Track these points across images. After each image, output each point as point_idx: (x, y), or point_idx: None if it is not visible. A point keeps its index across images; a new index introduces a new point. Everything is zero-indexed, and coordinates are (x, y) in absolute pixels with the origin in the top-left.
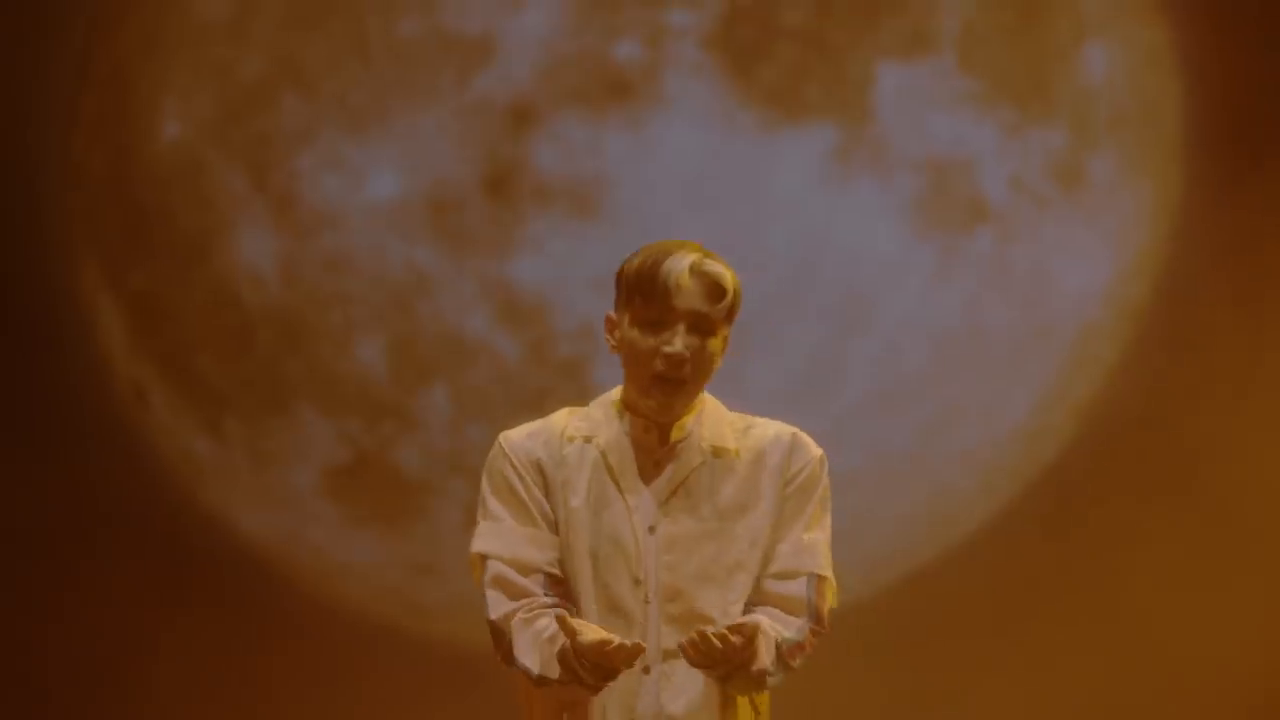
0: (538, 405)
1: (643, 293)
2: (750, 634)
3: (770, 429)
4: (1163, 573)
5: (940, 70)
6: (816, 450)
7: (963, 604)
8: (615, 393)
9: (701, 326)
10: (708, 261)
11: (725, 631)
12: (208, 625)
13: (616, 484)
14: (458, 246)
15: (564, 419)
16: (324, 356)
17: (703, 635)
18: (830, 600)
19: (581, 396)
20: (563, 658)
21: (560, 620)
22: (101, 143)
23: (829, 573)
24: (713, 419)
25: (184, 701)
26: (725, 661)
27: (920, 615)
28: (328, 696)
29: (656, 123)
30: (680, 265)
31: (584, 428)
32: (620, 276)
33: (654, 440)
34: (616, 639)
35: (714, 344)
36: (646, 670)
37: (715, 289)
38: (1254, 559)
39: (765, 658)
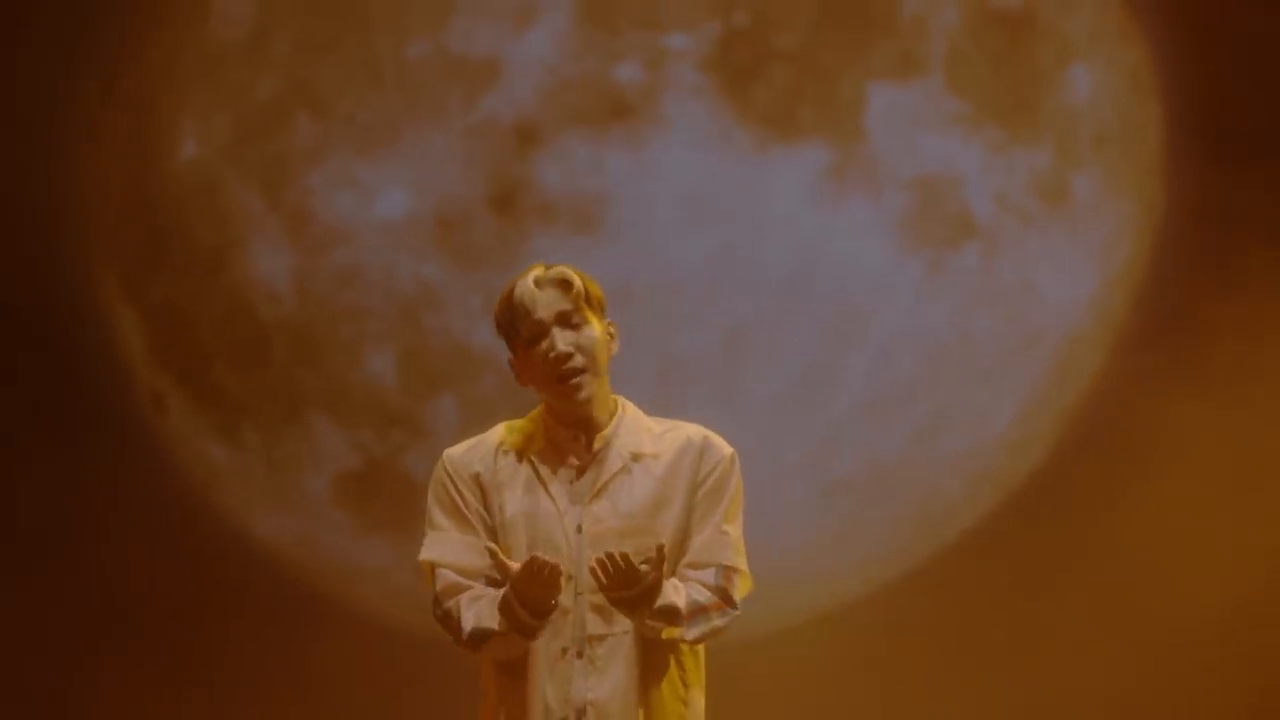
0: None
1: (513, 323)
2: (657, 565)
3: (683, 431)
4: (1145, 573)
5: (929, 91)
6: (727, 449)
7: (953, 603)
8: (540, 409)
9: (570, 321)
10: (549, 270)
11: (631, 558)
12: (224, 624)
13: (546, 490)
14: (465, 262)
15: (500, 433)
16: (336, 367)
17: (610, 556)
18: (741, 588)
19: None
20: (503, 605)
21: (492, 554)
22: (123, 161)
23: (740, 564)
24: (632, 427)
25: (201, 698)
26: (628, 584)
27: (913, 613)
28: (340, 694)
29: (656, 142)
30: (526, 283)
31: (517, 441)
32: (497, 324)
33: (579, 448)
34: (541, 556)
35: (592, 331)
36: (580, 655)
37: (562, 285)
38: (1233, 559)
39: (674, 597)
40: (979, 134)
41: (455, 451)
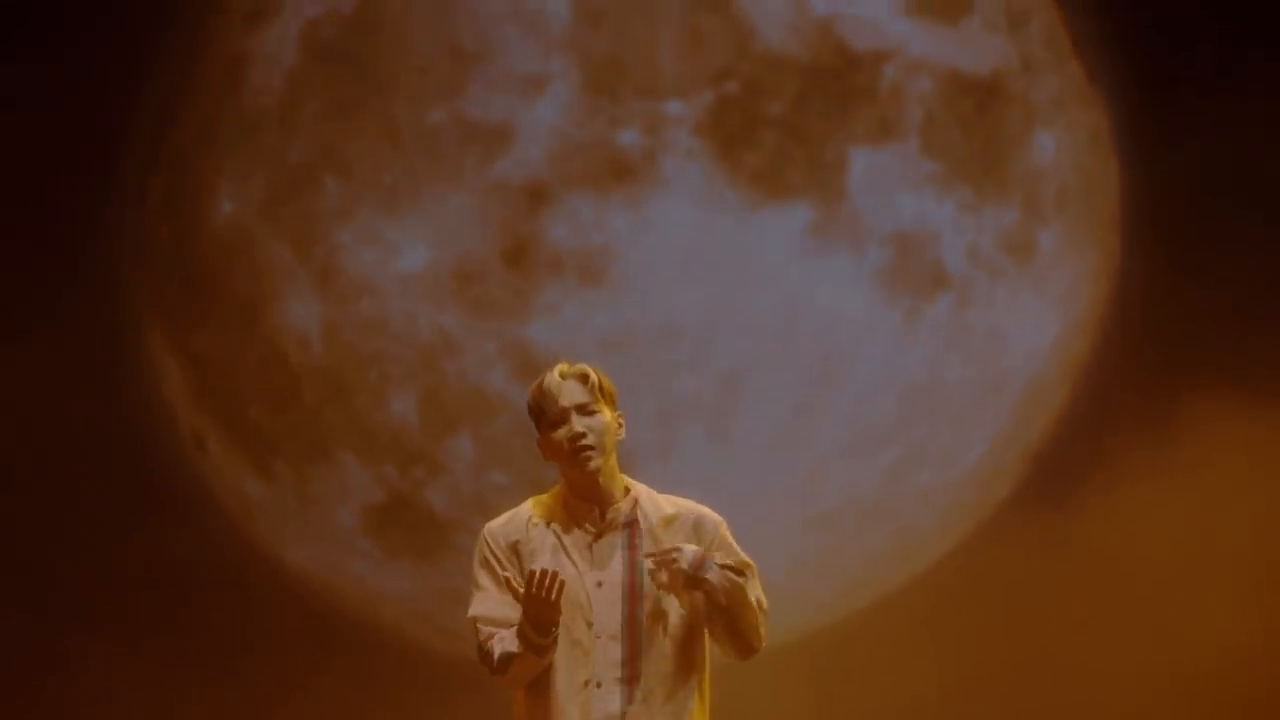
0: None
1: (541, 408)
2: (664, 557)
3: (681, 506)
4: (1103, 598)
5: (905, 155)
6: (715, 517)
7: (926, 627)
8: (561, 486)
9: (586, 409)
10: (571, 366)
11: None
12: (260, 646)
13: (568, 554)
14: (480, 311)
15: (529, 508)
16: (362, 409)
17: (655, 551)
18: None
19: None
20: (519, 630)
21: (509, 585)
22: (165, 220)
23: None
24: (642, 502)
25: (235, 713)
26: (673, 560)
27: (891, 635)
28: (367, 710)
29: (655, 201)
30: (553, 376)
31: (543, 514)
32: (529, 410)
33: (594, 518)
34: (540, 568)
35: (603, 418)
36: (599, 685)
37: (581, 379)
38: (1193, 581)
39: (720, 558)
40: (951, 193)
41: (495, 525)
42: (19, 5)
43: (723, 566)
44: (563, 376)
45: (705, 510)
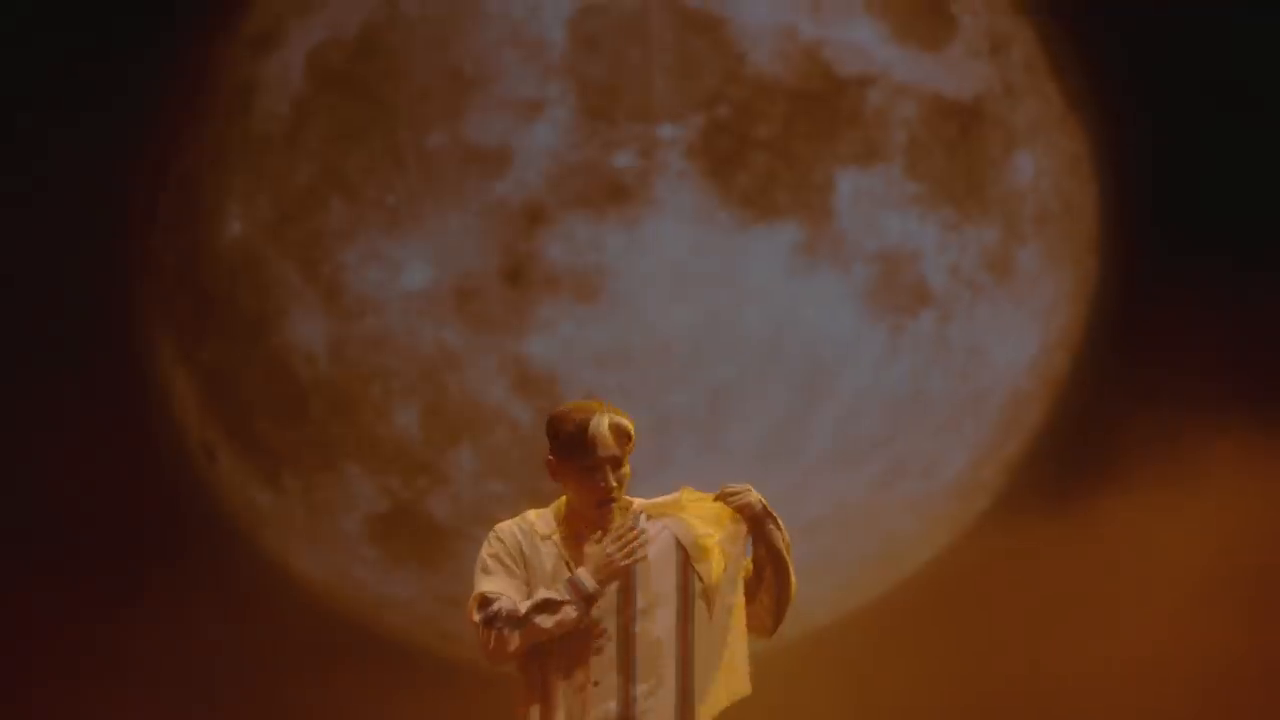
0: None
1: (579, 447)
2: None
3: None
4: (1082, 600)
5: (890, 176)
6: None
7: (912, 628)
8: (563, 503)
9: (618, 463)
10: (616, 418)
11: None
12: (268, 651)
13: (569, 565)
14: (480, 328)
15: (533, 519)
16: (366, 421)
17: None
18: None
19: None
20: (572, 581)
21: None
22: (175, 240)
23: None
24: (640, 513)
25: (245, 716)
26: (747, 493)
27: (876, 637)
28: (371, 711)
29: (648, 221)
30: (601, 426)
31: (545, 528)
32: (556, 433)
33: (598, 536)
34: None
35: (626, 470)
36: (596, 684)
37: (623, 436)
38: (1165, 588)
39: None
40: (935, 214)
41: (505, 529)
42: (37, 31)
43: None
44: (610, 429)
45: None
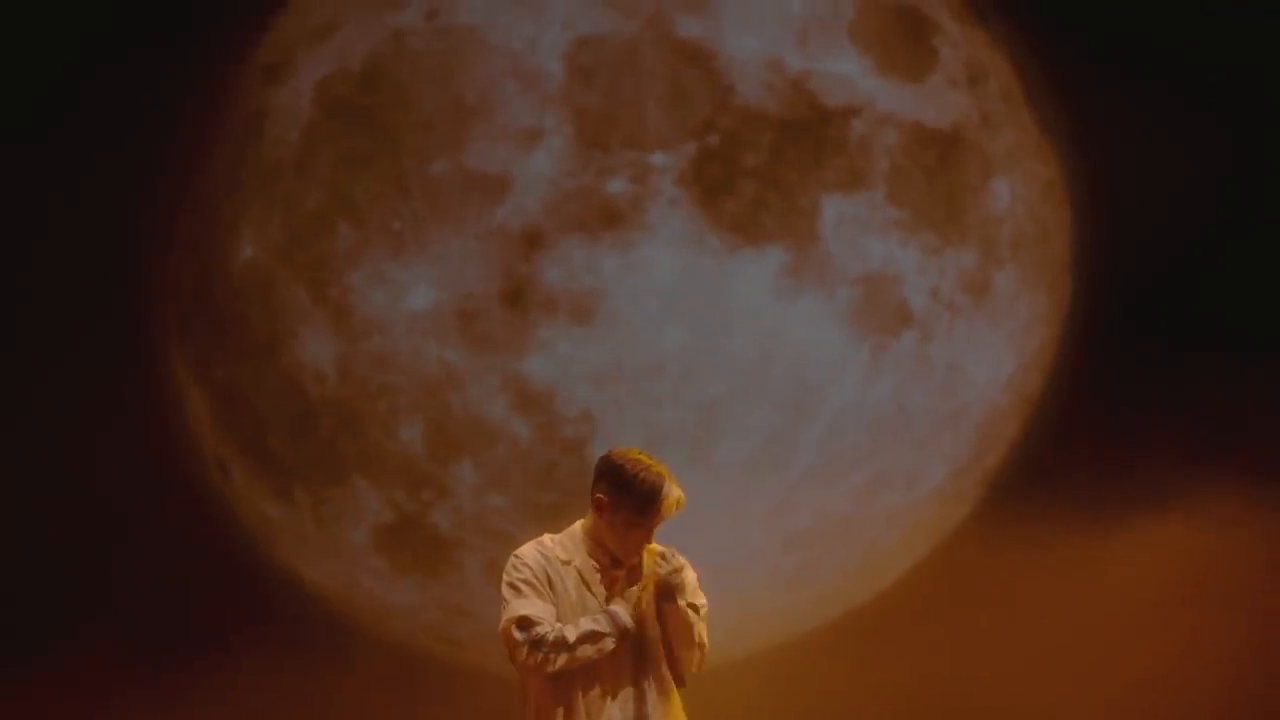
0: (547, 476)
1: (639, 507)
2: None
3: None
4: (1058, 608)
5: (873, 202)
6: (687, 563)
7: (890, 638)
8: (580, 528)
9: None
10: (680, 493)
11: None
12: (278, 656)
13: (589, 588)
14: (481, 347)
15: (551, 544)
16: (373, 437)
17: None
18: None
19: (582, 471)
20: (614, 618)
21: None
22: (191, 262)
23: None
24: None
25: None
26: (661, 565)
27: (857, 644)
28: (378, 714)
29: (642, 246)
30: (671, 498)
31: (563, 554)
32: (620, 482)
33: (608, 564)
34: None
35: None
36: (613, 695)
37: (680, 508)
38: (1131, 593)
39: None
40: (915, 238)
41: (525, 551)
42: (59, 65)
43: (689, 605)
44: (674, 503)
45: (682, 559)
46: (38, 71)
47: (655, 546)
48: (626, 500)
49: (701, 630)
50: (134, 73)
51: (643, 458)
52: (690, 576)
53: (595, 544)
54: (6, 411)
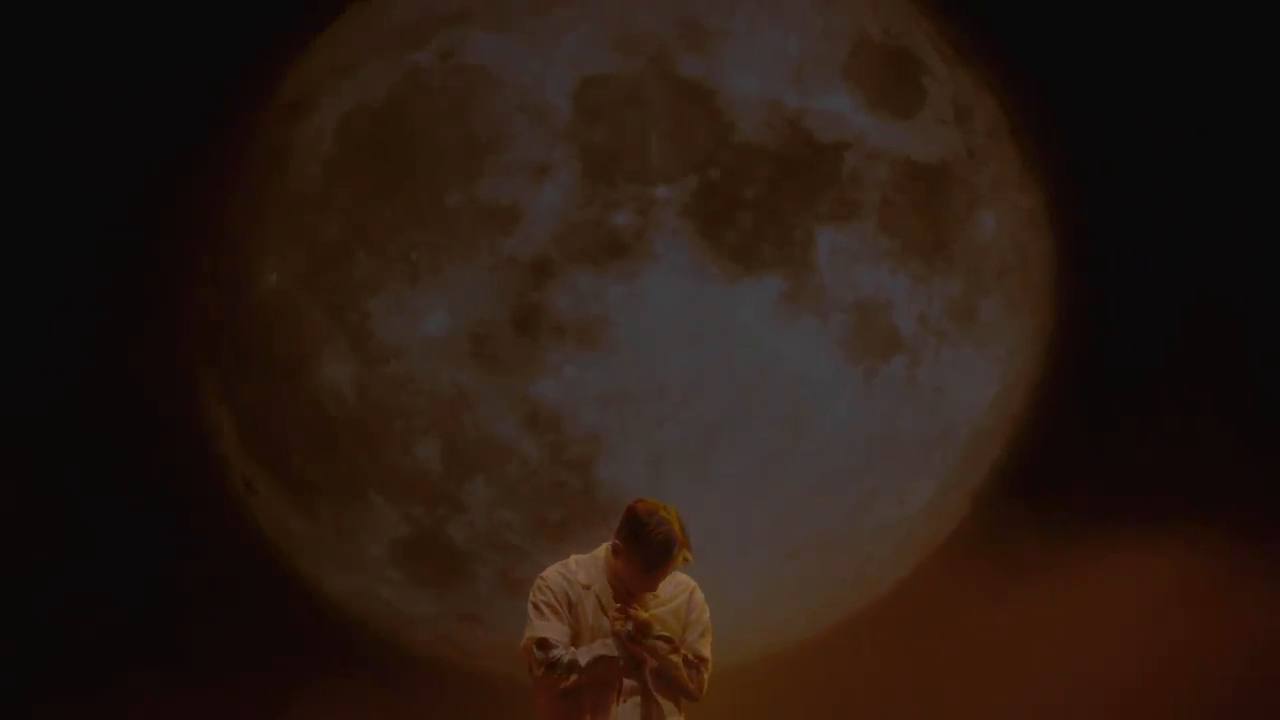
0: (555, 493)
1: (649, 560)
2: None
3: (680, 584)
4: (1040, 622)
5: (865, 233)
6: (700, 597)
7: (885, 642)
8: (603, 554)
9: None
10: (688, 554)
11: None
12: (301, 665)
13: (605, 613)
14: (493, 371)
15: (573, 567)
16: (391, 455)
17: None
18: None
19: (588, 489)
20: (619, 644)
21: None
22: (217, 290)
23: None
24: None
25: None
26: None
27: (852, 651)
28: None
29: (646, 274)
30: (676, 561)
31: (585, 578)
32: (637, 535)
33: (624, 593)
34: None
35: None
36: (624, 701)
37: (683, 564)
38: (1115, 613)
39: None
40: (905, 267)
41: (552, 577)
42: (95, 105)
43: (659, 637)
44: (680, 562)
45: (695, 590)
46: (71, 109)
47: (655, 617)
48: (638, 553)
49: (689, 678)
50: (166, 112)
51: (663, 513)
52: (703, 621)
53: (614, 575)
54: (41, 433)
